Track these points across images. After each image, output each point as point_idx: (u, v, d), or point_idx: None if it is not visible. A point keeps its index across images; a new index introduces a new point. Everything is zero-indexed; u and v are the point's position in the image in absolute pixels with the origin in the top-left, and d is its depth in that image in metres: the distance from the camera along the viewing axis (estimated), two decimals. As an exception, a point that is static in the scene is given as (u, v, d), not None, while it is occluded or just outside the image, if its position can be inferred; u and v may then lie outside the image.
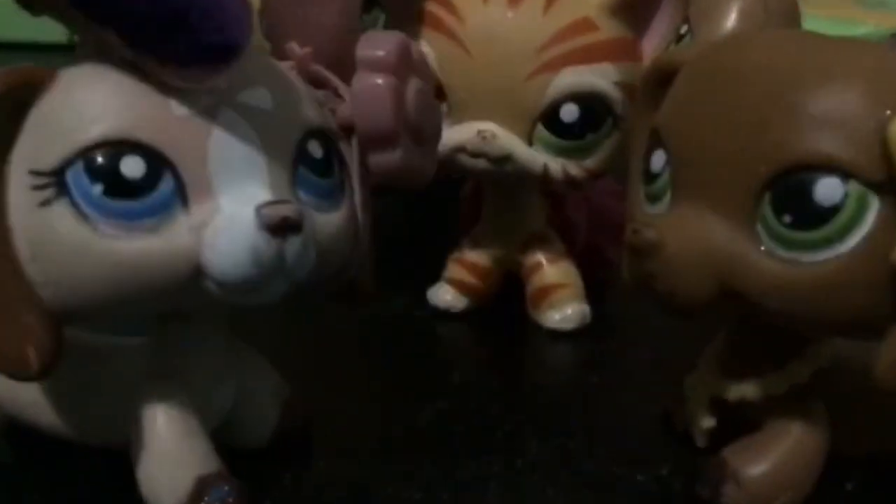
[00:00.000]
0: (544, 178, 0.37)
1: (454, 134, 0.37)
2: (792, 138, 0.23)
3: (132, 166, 0.22)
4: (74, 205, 0.22)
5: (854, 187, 0.22)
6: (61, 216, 0.22)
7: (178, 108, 0.23)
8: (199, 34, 0.22)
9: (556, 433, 0.33)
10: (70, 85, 0.23)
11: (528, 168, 0.37)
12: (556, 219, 0.43)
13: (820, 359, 0.27)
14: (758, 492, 0.27)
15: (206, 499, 0.26)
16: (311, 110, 0.26)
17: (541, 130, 0.36)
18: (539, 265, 0.41)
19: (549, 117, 0.36)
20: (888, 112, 0.22)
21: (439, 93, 0.36)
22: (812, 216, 0.23)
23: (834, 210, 0.22)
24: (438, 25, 0.36)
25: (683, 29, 0.47)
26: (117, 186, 0.22)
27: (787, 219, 0.23)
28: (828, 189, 0.22)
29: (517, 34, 0.35)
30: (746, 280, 0.24)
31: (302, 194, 0.25)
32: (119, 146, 0.22)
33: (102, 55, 0.24)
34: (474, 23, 0.36)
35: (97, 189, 0.22)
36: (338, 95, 0.28)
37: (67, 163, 0.22)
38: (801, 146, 0.22)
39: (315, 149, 0.26)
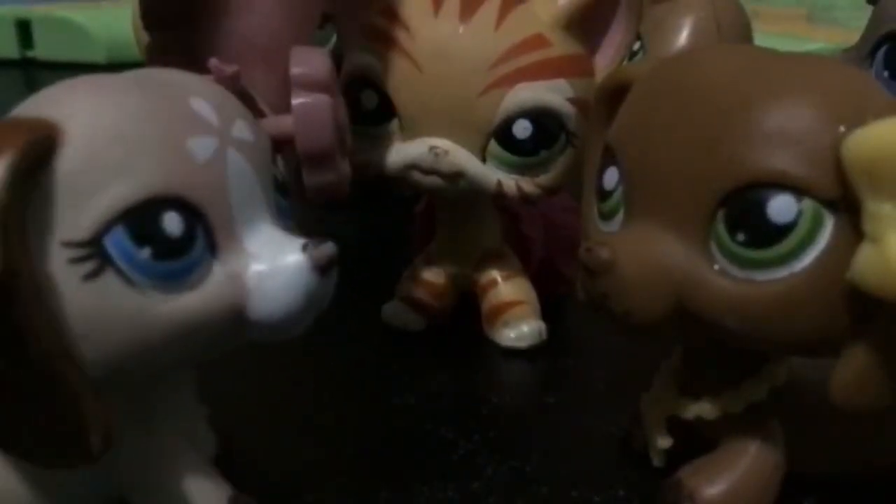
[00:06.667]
0: (498, 194, 0.37)
1: (406, 150, 0.36)
2: (745, 155, 0.22)
3: (172, 224, 0.21)
4: (121, 273, 0.21)
5: (808, 205, 0.22)
6: (112, 288, 0.20)
7: (198, 153, 0.22)
8: None
9: (512, 455, 0.32)
10: (86, 137, 0.21)
11: (481, 185, 0.36)
12: (511, 235, 0.42)
13: (777, 377, 0.27)
14: (715, 512, 0.27)
15: None
16: (265, 133, 0.25)
17: (494, 147, 0.36)
18: (494, 282, 0.41)
19: (503, 133, 0.35)
20: (842, 128, 0.21)
21: (390, 108, 0.36)
22: (766, 234, 0.22)
23: (788, 228, 0.22)
24: (389, 40, 0.36)
25: (636, 45, 0.47)
26: (164, 247, 0.21)
27: (740, 237, 0.23)
28: (781, 206, 0.22)
29: (469, 50, 0.35)
30: (701, 299, 0.24)
31: (281, 221, 0.24)
32: (159, 204, 0.21)
33: (100, 90, 0.22)
34: (425, 38, 0.35)
35: (144, 253, 0.21)
36: (261, 115, 0.27)
37: (105, 228, 0.20)
38: (755, 163, 0.22)
39: (276, 170, 0.25)
